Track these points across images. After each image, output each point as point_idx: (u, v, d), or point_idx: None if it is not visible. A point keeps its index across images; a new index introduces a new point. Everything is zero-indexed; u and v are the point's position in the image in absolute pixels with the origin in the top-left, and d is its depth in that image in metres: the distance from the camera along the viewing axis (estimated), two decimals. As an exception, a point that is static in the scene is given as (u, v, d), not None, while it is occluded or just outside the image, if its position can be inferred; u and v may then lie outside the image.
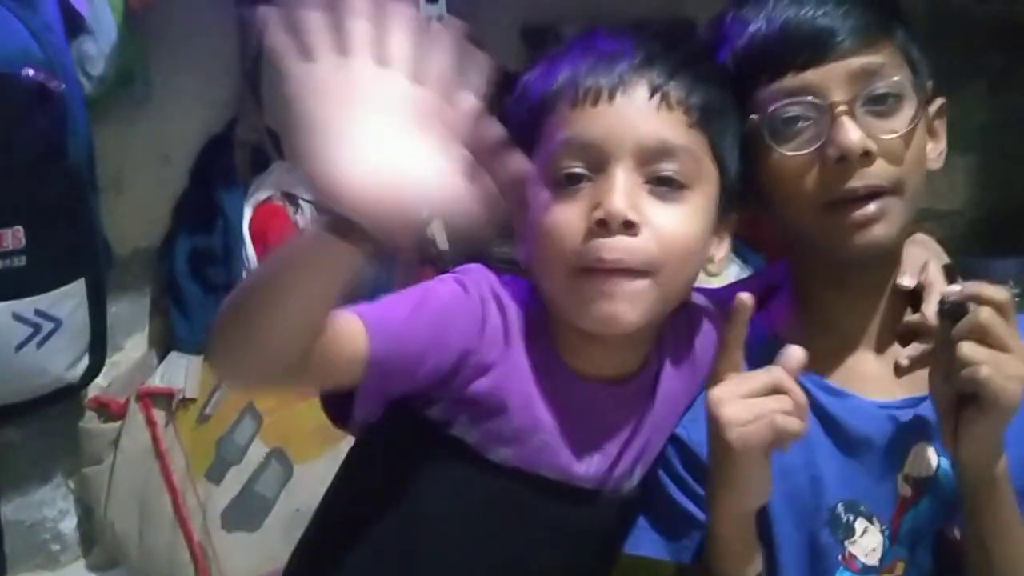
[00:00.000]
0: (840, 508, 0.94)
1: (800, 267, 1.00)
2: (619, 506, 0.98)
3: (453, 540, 0.94)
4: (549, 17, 1.77)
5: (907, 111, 0.91)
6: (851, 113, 0.89)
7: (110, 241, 1.50)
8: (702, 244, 0.94)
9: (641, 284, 0.89)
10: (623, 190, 0.87)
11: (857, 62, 0.90)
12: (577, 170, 0.89)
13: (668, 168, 0.89)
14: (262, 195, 1.55)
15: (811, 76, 0.90)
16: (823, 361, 0.95)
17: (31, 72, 1.29)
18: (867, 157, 0.89)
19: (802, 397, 0.85)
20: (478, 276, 0.94)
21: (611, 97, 0.89)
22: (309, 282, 0.76)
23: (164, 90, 1.56)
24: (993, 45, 2.08)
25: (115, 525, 1.50)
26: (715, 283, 1.69)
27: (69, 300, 1.39)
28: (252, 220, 1.53)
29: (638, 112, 0.89)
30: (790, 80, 0.90)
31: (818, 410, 0.94)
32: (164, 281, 1.55)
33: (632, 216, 0.87)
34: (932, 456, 0.94)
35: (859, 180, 0.89)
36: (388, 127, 0.70)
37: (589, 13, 1.80)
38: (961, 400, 0.86)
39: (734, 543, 0.91)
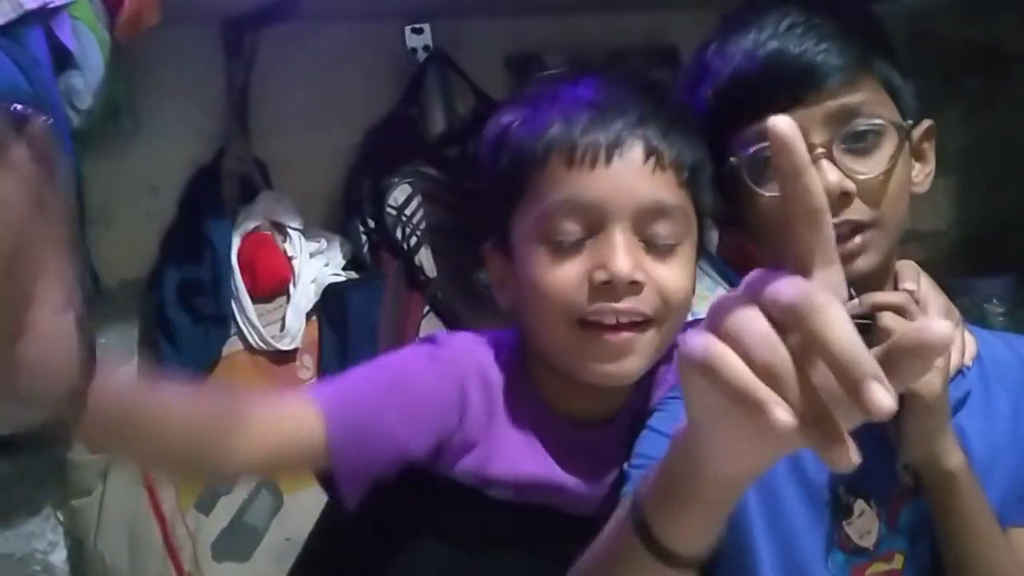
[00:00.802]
0: (842, 489, 0.94)
1: None
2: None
3: (452, 572, 0.94)
4: (533, 46, 1.79)
5: (887, 147, 0.92)
6: (829, 155, 0.90)
7: (98, 273, 1.50)
8: (694, 289, 0.96)
9: (647, 336, 0.91)
10: (626, 251, 0.89)
11: (836, 103, 0.91)
12: (575, 230, 0.91)
13: (663, 228, 0.91)
14: (250, 224, 1.55)
15: (791, 117, 0.91)
16: None
17: (19, 107, 1.29)
18: (846, 197, 0.90)
19: (848, 357, 0.52)
20: (458, 352, 0.94)
21: (608, 159, 0.90)
22: None
23: (151, 122, 1.57)
24: (971, 69, 2.11)
25: (105, 557, 1.49)
26: (701, 306, 1.71)
27: (57, 332, 1.38)
28: (240, 250, 1.53)
29: (635, 174, 0.91)
30: None
31: None
32: (152, 312, 1.55)
33: (638, 276, 0.89)
34: None
35: (839, 218, 0.90)
36: None
37: (573, 43, 1.82)
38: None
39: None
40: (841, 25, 0.93)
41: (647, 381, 1.01)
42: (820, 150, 0.90)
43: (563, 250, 0.91)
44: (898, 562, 0.96)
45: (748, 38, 0.93)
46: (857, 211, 0.91)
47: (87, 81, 1.42)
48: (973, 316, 2.04)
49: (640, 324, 0.91)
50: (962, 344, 0.99)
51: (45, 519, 1.57)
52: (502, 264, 0.98)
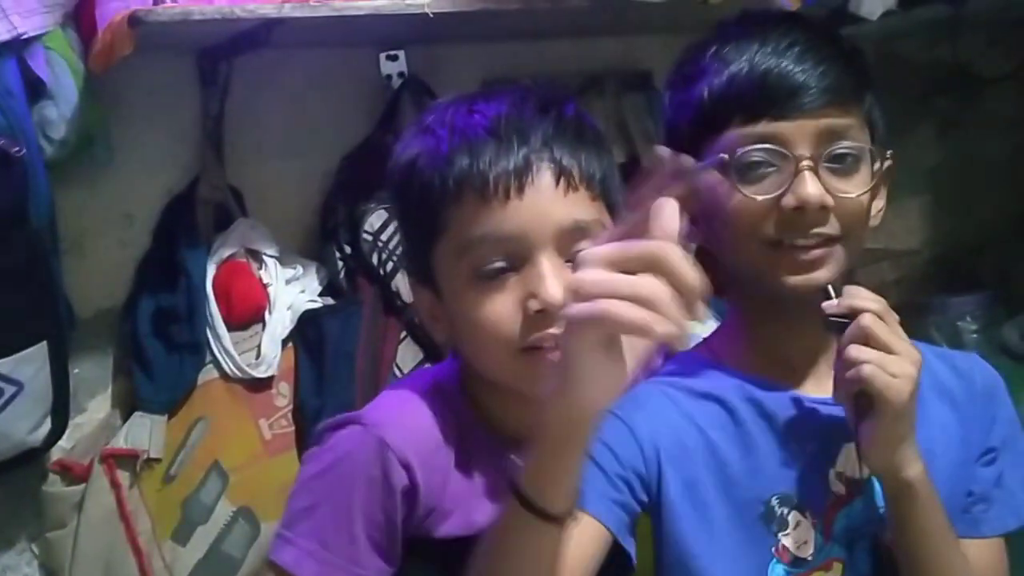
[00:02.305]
0: (775, 501, 0.96)
1: (746, 301, 1.05)
2: None
3: None
4: (508, 71, 1.80)
5: (863, 173, 0.97)
6: (814, 169, 0.94)
7: (72, 303, 1.50)
8: None
9: None
10: (555, 277, 0.90)
11: (827, 121, 0.95)
12: (499, 262, 0.91)
13: (584, 244, 0.91)
14: (225, 252, 1.55)
15: (782, 127, 0.94)
16: (766, 375, 1.00)
17: (-5, 140, 1.29)
18: (823, 211, 0.94)
19: (689, 278, 0.69)
20: (381, 449, 0.93)
21: (520, 189, 0.91)
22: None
23: (125, 151, 1.57)
24: (941, 90, 2.14)
25: (80, 590, 1.48)
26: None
27: (31, 363, 1.38)
28: (215, 278, 1.53)
29: (549, 199, 0.92)
30: (763, 127, 0.95)
31: (756, 405, 0.98)
32: (127, 341, 1.54)
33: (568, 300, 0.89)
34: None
35: (810, 228, 0.94)
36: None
37: (548, 67, 1.84)
38: (859, 407, 0.91)
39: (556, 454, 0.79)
40: (839, 53, 0.98)
41: None
42: (806, 162, 0.94)
43: (491, 283, 0.91)
44: (837, 570, 0.98)
45: (751, 47, 0.97)
46: (831, 226, 0.95)
47: (61, 111, 1.42)
48: (947, 334, 2.05)
49: None
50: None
51: (19, 553, 1.55)
52: (430, 299, 0.98)
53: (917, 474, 0.92)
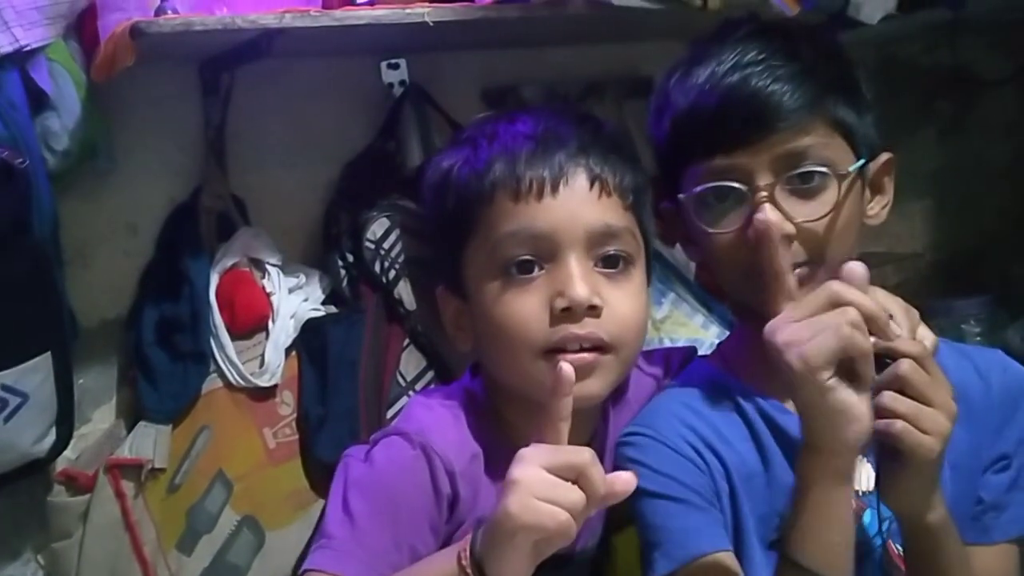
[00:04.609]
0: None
1: (748, 321, 1.05)
2: (589, 564, 1.00)
3: None
4: (509, 79, 1.80)
5: (831, 189, 0.95)
6: (771, 199, 0.93)
7: (76, 313, 1.50)
8: (648, 313, 0.98)
9: (606, 359, 0.94)
10: (582, 277, 0.91)
11: (784, 147, 0.94)
12: (528, 257, 0.92)
13: (614, 249, 0.93)
14: (228, 261, 1.55)
15: (739, 158, 0.94)
16: (778, 392, 0.99)
17: (-1, 152, 1.30)
18: (786, 239, 0.93)
19: (870, 305, 0.81)
20: (428, 456, 0.96)
21: (554, 189, 0.93)
22: None
23: (128, 161, 1.57)
24: (941, 93, 2.14)
25: (85, 600, 1.48)
26: (680, 332, 1.72)
27: (35, 374, 1.38)
28: (219, 287, 1.53)
29: (582, 201, 0.94)
30: (719, 160, 0.95)
31: (768, 420, 0.99)
32: (131, 351, 1.54)
33: (596, 301, 0.91)
34: (870, 471, 0.96)
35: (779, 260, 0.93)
36: None
37: (549, 74, 1.84)
38: (885, 448, 0.88)
39: (828, 510, 0.85)
40: (799, 66, 0.96)
41: (614, 407, 1.02)
42: (763, 193, 0.93)
43: (519, 282, 0.93)
44: None
45: (706, 72, 0.96)
46: (797, 251, 0.94)
47: (63, 122, 1.43)
48: (951, 337, 2.03)
49: (599, 348, 0.92)
50: None
51: (25, 563, 1.56)
52: (457, 306, 1.00)
53: (938, 519, 0.90)
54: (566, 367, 0.84)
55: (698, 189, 0.95)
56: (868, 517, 0.98)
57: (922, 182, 2.12)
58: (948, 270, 2.21)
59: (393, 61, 1.68)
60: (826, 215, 0.94)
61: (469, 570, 0.83)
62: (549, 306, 0.91)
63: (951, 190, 2.18)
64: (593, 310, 0.93)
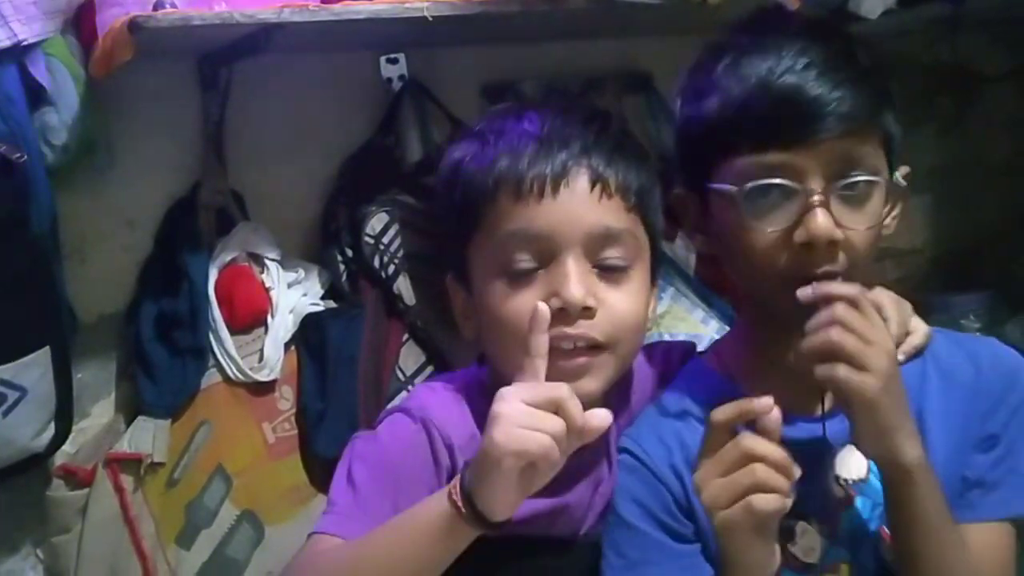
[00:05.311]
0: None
1: (756, 315, 1.05)
2: (591, 550, 1.01)
3: None
4: (508, 74, 1.80)
5: (876, 199, 0.94)
6: (826, 204, 0.91)
7: (75, 308, 1.50)
8: (647, 312, 0.99)
9: (602, 358, 0.95)
10: (578, 279, 0.92)
11: (840, 149, 0.92)
12: (527, 263, 0.93)
13: (613, 252, 0.95)
14: (227, 256, 1.55)
15: (794, 158, 0.92)
16: (775, 396, 0.98)
17: None
18: (833, 246, 0.92)
19: (781, 456, 0.86)
20: (428, 429, 0.99)
21: (555, 190, 0.94)
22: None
23: (127, 157, 1.57)
24: (941, 89, 2.14)
25: (85, 595, 1.48)
26: (680, 327, 1.72)
27: (34, 369, 1.38)
28: (218, 282, 1.53)
29: (582, 203, 0.94)
30: (772, 156, 0.92)
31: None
32: (130, 346, 1.54)
33: (590, 302, 0.92)
34: (860, 459, 0.97)
35: (820, 266, 0.93)
36: None
37: (548, 70, 1.84)
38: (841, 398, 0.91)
39: None
40: (858, 73, 0.94)
41: (617, 400, 1.02)
42: (817, 197, 0.91)
43: (518, 280, 0.94)
44: (844, 571, 0.99)
45: (764, 65, 0.93)
46: (838, 263, 0.93)
47: (62, 117, 1.43)
48: (950, 333, 2.05)
49: (594, 348, 0.93)
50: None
51: (24, 557, 1.56)
52: (463, 297, 1.01)
53: (914, 459, 0.91)
54: (541, 306, 0.88)
55: (752, 184, 0.93)
56: (860, 503, 0.98)
57: (922, 178, 2.10)
58: (948, 265, 2.21)
59: (392, 56, 1.68)
60: (873, 226, 0.94)
61: (460, 503, 0.85)
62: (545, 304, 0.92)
63: (951, 186, 2.18)
64: (587, 311, 0.94)
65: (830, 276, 0.93)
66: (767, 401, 0.89)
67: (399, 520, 0.90)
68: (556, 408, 0.85)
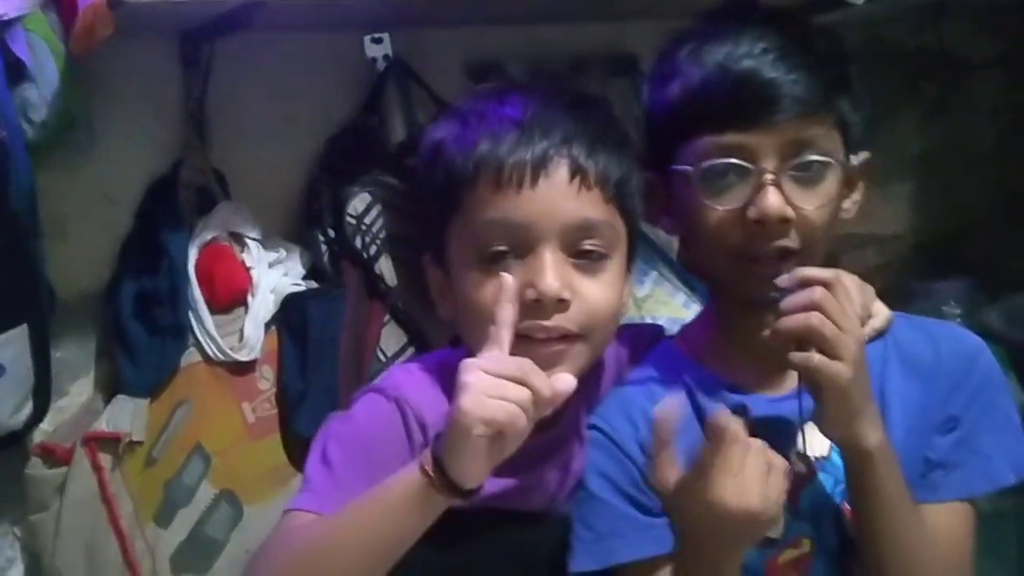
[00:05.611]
0: None
1: (718, 295, 1.08)
2: (561, 524, 1.02)
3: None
4: (493, 55, 1.79)
5: (830, 181, 0.98)
6: (777, 183, 0.95)
7: (54, 285, 1.49)
8: (621, 300, 1.00)
9: (576, 348, 0.96)
10: (554, 270, 0.92)
11: (794, 133, 0.96)
12: (503, 249, 0.93)
13: (590, 243, 0.95)
14: (208, 235, 1.54)
15: (750, 139, 0.96)
16: (739, 374, 1.01)
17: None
18: (784, 224, 0.96)
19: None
20: (401, 407, 1.00)
21: (534, 180, 0.94)
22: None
23: (108, 134, 1.56)
24: (926, 75, 2.14)
25: (63, 573, 1.48)
26: (662, 311, 1.73)
27: (11, 346, 1.37)
28: (198, 261, 1.53)
29: (561, 194, 0.95)
30: (729, 138, 0.96)
31: (723, 403, 1.00)
32: (109, 324, 1.54)
33: (565, 295, 0.93)
34: (822, 436, 0.99)
35: (772, 242, 0.97)
36: None
37: (533, 51, 1.83)
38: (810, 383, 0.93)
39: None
40: (814, 60, 0.98)
41: (586, 380, 1.04)
42: (769, 176, 0.95)
43: (493, 267, 0.94)
44: (806, 546, 1.01)
45: (723, 51, 0.97)
46: (791, 239, 0.97)
47: (42, 93, 1.41)
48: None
49: (568, 337, 0.94)
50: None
51: (2, 535, 1.55)
52: (440, 277, 1.02)
53: (876, 443, 0.93)
54: (507, 277, 0.90)
55: (707, 164, 0.96)
56: (822, 479, 1.00)
57: (905, 164, 2.13)
58: (930, 252, 2.22)
59: (377, 36, 1.67)
60: (825, 204, 0.97)
61: (431, 472, 0.86)
62: (520, 294, 0.93)
63: (934, 172, 2.18)
64: (562, 303, 0.94)
65: (784, 252, 0.96)
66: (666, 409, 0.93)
67: (371, 493, 0.90)
68: (521, 380, 0.86)
